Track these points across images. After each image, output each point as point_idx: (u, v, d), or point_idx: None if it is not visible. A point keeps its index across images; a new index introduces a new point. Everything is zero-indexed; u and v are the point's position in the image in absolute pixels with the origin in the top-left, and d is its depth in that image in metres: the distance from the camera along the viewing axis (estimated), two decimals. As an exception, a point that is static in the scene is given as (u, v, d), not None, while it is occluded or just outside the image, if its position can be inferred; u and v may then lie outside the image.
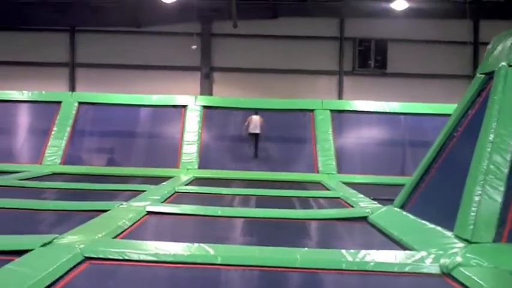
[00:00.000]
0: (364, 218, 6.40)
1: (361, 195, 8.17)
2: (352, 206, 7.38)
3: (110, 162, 12.11)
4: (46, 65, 17.60)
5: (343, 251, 4.33)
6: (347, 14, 17.44)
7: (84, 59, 17.80)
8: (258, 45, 17.75)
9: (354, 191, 8.76)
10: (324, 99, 13.48)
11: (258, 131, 11.87)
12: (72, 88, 17.60)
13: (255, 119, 12.02)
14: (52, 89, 16.50)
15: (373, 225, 6.06)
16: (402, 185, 6.58)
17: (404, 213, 5.98)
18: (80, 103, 12.83)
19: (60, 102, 12.70)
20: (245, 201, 8.01)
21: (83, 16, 17.20)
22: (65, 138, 12.06)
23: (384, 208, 6.55)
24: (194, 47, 16.85)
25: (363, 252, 4.29)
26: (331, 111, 12.74)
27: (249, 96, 16.35)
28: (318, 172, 11.57)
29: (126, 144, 12.47)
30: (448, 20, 17.16)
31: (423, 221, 5.32)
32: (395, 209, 6.29)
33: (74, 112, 12.58)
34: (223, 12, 16.81)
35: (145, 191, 8.13)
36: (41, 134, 12.15)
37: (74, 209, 6.45)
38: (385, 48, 17.41)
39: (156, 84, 17.34)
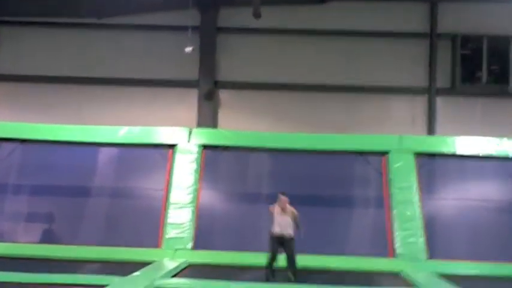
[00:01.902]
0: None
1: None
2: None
3: (48, 238, 12.10)
4: None
5: None
6: (442, -6, 17.67)
7: (9, 68, 18.10)
8: (291, 47, 17.90)
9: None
10: (404, 135, 13.48)
11: (288, 233, 10.10)
12: (-13, 115, 17.83)
13: (280, 210, 10.27)
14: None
15: None
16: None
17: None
18: (0, 140, 13.05)
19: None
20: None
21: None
22: (-28, 197, 12.22)
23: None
24: (189, 48, 16.92)
25: None
26: (417, 154, 12.74)
27: (278, 128, 16.37)
28: (394, 257, 11.46)
29: (75, 209, 12.50)
30: None
31: None
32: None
33: (-12, 155, 12.80)
34: (235, -7, 17.24)
35: (106, 285, 8.09)
36: None
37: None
38: (506, 50, 17.40)
39: (127, 109, 17.50)
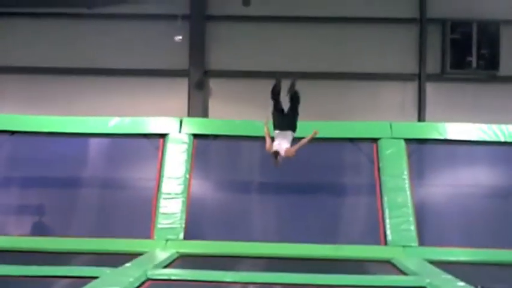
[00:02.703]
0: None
1: (462, 284, 8.09)
2: (448, 302, 7.26)
3: (39, 230, 12.08)
4: None
5: None
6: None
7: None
8: (282, 34, 17.87)
9: (450, 276, 8.63)
10: (395, 122, 13.48)
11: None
12: (-21, 107, 17.83)
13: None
14: None
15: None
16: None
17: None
18: (-10, 131, 13.04)
19: (-42, 130, 12.93)
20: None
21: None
22: (-37, 189, 12.20)
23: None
24: (179, 38, 17.01)
25: None
26: (407, 141, 12.75)
27: (268, 116, 16.37)
28: (385, 244, 11.48)
29: (66, 201, 12.47)
30: None
31: None
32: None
33: (-21, 147, 12.76)
34: (225, -21, 17.18)
35: (97, 277, 8.11)
36: None
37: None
38: (495, 35, 17.41)
39: (117, 99, 17.48)
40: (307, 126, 13.27)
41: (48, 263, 9.51)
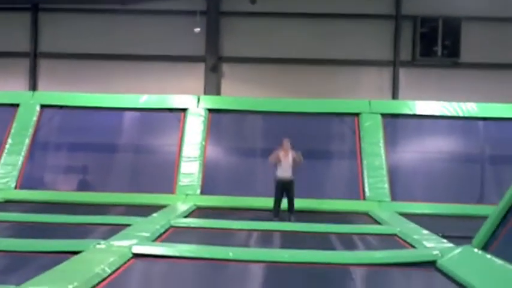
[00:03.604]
0: (431, 263, 6.34)
1: (426, 232, 8.10)
2: (414, 247, 7.32)
3: (83, 187, 12.21)
4: (-2, 55, 17.92)
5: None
6: (404, -19, 17.42)
7: (49, 47, 17.98)
8: (283, 27, 17.72)
9: (416, 226, 8.69)
10: (373, 99, 13.46)
11: (290, 176, 10.00)
12: (34, 86, 17.79)
13: (284, 154, 10.04)
14: (6, 87, 16.72)
15: (444, 273, 5.98)
16: (483, 217, 6.47)
17: (488, 256, 5.89)
18: (43, 106, 13.02)
19: (17, 105, 12.92)
20: (266, 239, 7.99)
21: (49, -11, 17.47)
22: (22, 153, 12.17)
23: (459, 249, 6.46)
24: (197, 29, 16.94)
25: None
26: (383, 115, 12.78)
27: (271, 95, 16.33)
28: (364, 199, 11.57)
29: (104, 162, 12.59)
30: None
31: (515, 268, 5.22)
32: (475, 250, 6.20)
33: (35, 118, 12.74)
34: (236, -19, 16.98)
35: (130, 225, 8.16)
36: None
37: (35, 250, 6.48)
38: (457, 29, 17.21)
39: (146, 80, 17.41)
40: (302, 104, 13.37)
41: (90, 213, 9.65)
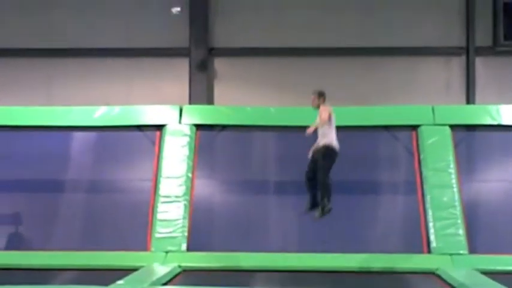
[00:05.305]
0: None
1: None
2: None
3: (14, 244, 12.16)
4: None
5: None
6: None
7: None
8: (298, 4, 17.83)
9: (506, 290, 8.63)
10: (438, 105, 13.43)
11: (329, 142, 10.36)
12: None
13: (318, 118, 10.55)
14: None
15: None
16: None
17: None
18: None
19: None
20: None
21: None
22: None
23: None
24: (177, 9, 17.02)
25: None
26: (454, 127, 12.75)
27: (285, 102, 16.35)
28: (429, 252, 11.48)
29: (46, 207, 12.54)
30: None
31: None
32: None
33: None
34: None
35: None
36: None
37: None
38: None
39: (105, 84, 17.55)
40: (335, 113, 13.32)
41: (27, 282, 9.47)
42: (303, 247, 11.63)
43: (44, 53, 17.82)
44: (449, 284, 9.74)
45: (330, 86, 17.17)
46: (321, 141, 10.22)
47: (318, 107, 10.36)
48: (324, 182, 10.03)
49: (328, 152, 10.13)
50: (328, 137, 10.20)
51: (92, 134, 13.21)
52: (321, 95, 10.45)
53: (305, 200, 11.97)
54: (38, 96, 16.78)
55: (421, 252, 11.52)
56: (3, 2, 17.85)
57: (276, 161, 12.91)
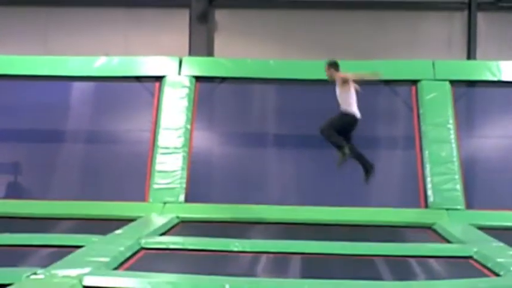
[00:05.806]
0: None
1: (518, 253, 8.09)
2: (498, 274, 7.31)
3: (14, 193, 12.24)
4: None
5: None
6: None
7: None
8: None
9: (500, 244, 8.69)
10: (438, 59, 13.40)
11: (344, 109, 10.30)
12: None
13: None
14: None
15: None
16: None
17: None
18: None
19: None
20: (281, 265, 7.97)
21: None
22: None
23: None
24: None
25: None
26: (454, 83, 12.73)
27: (287, 55, 16.32)
28: (426, 207, 11.55)
29: (45, 158, 12.59)
30: None
31: None
32: None
33: None
34: None
35: (82, 246, 8.16)
36: None
37: None
38: None
39: (104, 35, 17.47)
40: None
41: (25, 230, 9.62)
42: (301, 200, 11.68)
43: (40, 1, 17.71)
44: (445, 239, 9.78)
45: (332, 39, 17.30)
46: (341, 107, 10.18)
47: (331, 77, 10.22)
48: (325, 133, 10.02)
49: (343, 116, 10.13)
50: (346, 103, 10.15)
51: (90, 84, 13.20)
52: (331, 65, 10.31)
53: (305, 153, 12.11)
54: (34, 47, 16.68)
55: (418, 206, 11.59)
56: None
57: (275, 114, 12.91)
